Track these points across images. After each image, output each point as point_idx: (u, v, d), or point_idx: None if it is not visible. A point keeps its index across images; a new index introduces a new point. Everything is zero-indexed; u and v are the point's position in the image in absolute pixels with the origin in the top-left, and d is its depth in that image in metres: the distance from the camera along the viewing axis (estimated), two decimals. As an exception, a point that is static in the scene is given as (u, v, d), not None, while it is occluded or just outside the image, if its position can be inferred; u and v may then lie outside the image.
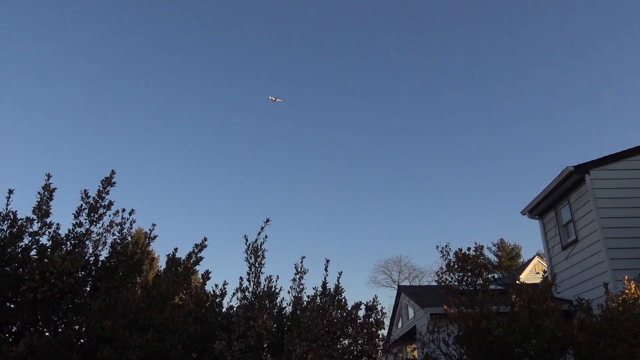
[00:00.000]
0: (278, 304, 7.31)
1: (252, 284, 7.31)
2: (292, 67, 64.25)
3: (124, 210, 6.86)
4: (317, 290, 7.38)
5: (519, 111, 66.59)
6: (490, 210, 69.84)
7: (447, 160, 72.55)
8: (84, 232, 6.42)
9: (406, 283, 48.45)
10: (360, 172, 74.22)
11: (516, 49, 62.65)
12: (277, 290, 7.48)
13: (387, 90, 69.91)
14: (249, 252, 7.42)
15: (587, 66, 60.07)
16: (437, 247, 7.60)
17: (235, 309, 7.19)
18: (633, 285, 6.70)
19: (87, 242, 6.48)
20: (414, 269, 52.39)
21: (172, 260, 7.10)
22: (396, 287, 27.72)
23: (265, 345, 6.55)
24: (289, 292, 7.38)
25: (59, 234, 6.30)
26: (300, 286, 7.43)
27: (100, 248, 6.65)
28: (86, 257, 6.42)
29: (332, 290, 7.43)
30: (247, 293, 7.23)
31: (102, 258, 6.64)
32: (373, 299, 7.44)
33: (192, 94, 58.39)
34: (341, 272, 7.49)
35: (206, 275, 7.43)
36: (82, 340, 5.80)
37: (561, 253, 14.57)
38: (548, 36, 60.20)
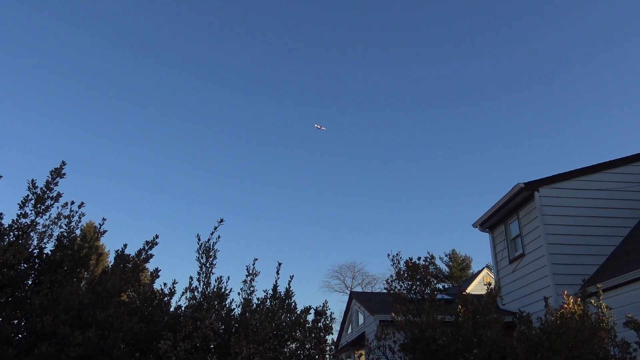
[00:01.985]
0: (227, 306, 7.26)
1: (202, 284, 7.23)
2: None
3: (72, 202, 6.68)
4: (267, 293, 7.37)
5: (478, 123, 68.40)
6: (444, 221, 71.38)
7: (405, 168, 73.78)
8: (28, 223, 6.21)
9: (359, 289, 48.85)
10: (318, 177, 74.54)
11: (466, 85, 64.38)
12: (227, 292, 7.42)
13: (348, 95, 70.55)
14: (200, 252, 7.34)
15: (538, 84, 62.27)
16: (389, 255, 7.73)
17: (183, 308, 7.09)
18: (571, 300, 6.99)
19: (31, 233, 6.27)
20: (367, 275, 52.99)
21: (120, 256, 6.95)
22: (349, 292, 27.89)
23: (212, 347, 6.48)
24: (239, 293, 7.35)
25: (2, 224, 6.07)
26: (251, 288, 7.40)
27: (45, 241, 6.44)
28: (30, 250, 6.21)
29: (282, 293, 7.43)
30: (196, 293, 7.14)
31: (47, 251, 6.43)
32: (323, 304, 7.50)
33: (160, 84, 57.32)
34: (292, 276, 7.51)
35: (155, 274, 7.30)
36: (20, 336, 5.60)
37: (508, 266, 15.03)
38: (493, 67, 62.11)
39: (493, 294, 7.09)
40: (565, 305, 6.94)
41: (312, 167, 74.39)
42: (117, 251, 7.08)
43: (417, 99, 69.37)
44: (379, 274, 54.56)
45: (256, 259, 7.48)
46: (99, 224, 7.16)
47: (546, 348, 6.04)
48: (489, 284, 7.49)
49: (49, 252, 6.39)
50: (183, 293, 7.36)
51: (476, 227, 16.41)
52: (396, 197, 75.03)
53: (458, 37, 62.54)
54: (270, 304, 7.29)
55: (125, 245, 7.09)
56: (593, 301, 7.48)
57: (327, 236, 74.84)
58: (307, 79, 68.31)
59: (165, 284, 7.30)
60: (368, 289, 48.53)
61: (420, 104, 69.64)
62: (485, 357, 6.10)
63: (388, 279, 7.76)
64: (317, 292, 60.72)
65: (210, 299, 6.91)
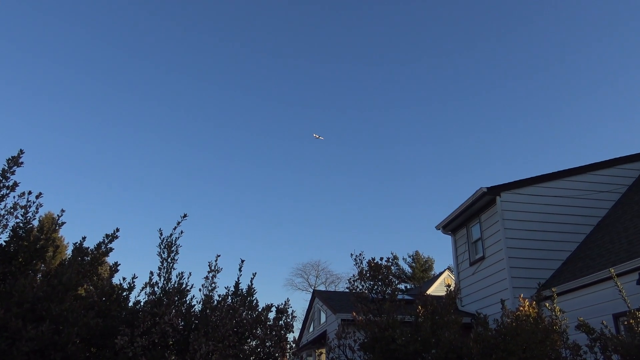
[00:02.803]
0: (188, 302, 7.16)
1: (162, 279, 7.12)
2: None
3: (30, 192, 6.48)
4: (229, 290, 7.31)
5: (443, 125, 69.50)
6: (409, 222, 72.31)
7: (371, 168, 74.36)
8: (-19, 212, 6.00)
9: (322, 288, 49.00)
10: (285, 174, 74.41)
11: (422, 89, 65.41)
12: (188, 288, 7.32)
13: (315, 94, 70.65)
14: (162, 247, 7.23)
15: (501, 90, 63.72)
16: (352, 255, 7.79)
17: (142, 304, 6.97)
18: (527, 303, 7.18)
19: (-16, 223, 6.06)
20: (332, 274, 53.27)
21: (78, 249, 6.79)
22: (312, 291, 27.94)
23: (170, 343, 6.40)
24: (200, 290, 7.26)
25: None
26: (213, 285, 7.33)
27: (0, 231, 6.24)
28: (-18, 240, 6.00)
29: (244, 291, 7.39)
30: (156, 288, 7.02)
31: (0, 242, 6.23)
32: (285, 302, 7.50)
33: (130, 75, 56.10)
34: (255, 273, 7.47)
35: (115, 267, 7.15)
36: (-32, 329, 5.40)
37: (469, 268, 15.34)
38: (461, 69, 63.31)
39: (452, 296, 7.23)
40: (521, 308, 7.13)
41: (279, 164, 74.25)
42: (75, 244, 6.91)
43: (387, 98, 70.01)
44: (343, 273, 54.92)
45: (218, 256, 7.41)
46: (58, 215, 6.98)
47: (501, 349, 6.19)
48: (447, 285, 7.63)
49: (3, 243, 6.19)
50: (143, 288, 7.23)
51: (439, 229, 16.69)
52: (363, 196, 75.63)
53: (424, 37, 63.38)
54: (232, 300, 7.23)
55: (84, 238, 6.93)
56: (548, 304, 7.69)
57: (292, 234, 74.88)
58: (276, 75, 68.04)
59: (124, 279, 7.16)
60: (332, 288, 48.75)
61: (389, 104, 70.34)
62: (442, 357, 6.21)
63: (350, 279, 7.82)
64: (281, 289, 60.68)
65: (171, 295, 6.81)
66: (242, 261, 7.57)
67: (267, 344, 6.95)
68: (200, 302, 7.22)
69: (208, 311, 6.81)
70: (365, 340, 6.92)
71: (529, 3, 56.11)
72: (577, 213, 14.08)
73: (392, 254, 47.27)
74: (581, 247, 13.26)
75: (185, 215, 7.47)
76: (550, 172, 14.46)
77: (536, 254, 13.37)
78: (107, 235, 7.02)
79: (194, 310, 7.08)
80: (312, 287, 49.94)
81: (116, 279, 7.30)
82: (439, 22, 61.70)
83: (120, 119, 58.96)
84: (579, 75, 60.99)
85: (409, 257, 48.47)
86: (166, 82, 60.40)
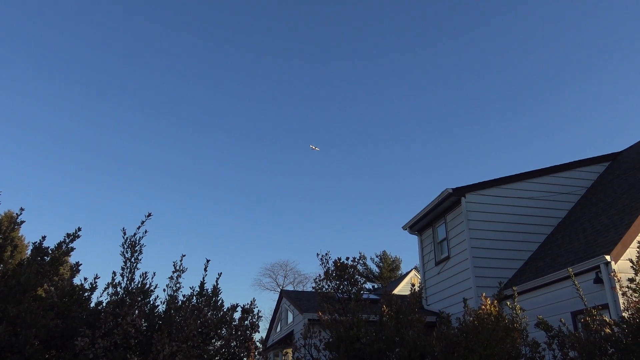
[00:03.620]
0: (151, 302, 7.07)
1: (125, 279, 7.00)
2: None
3: (-14, 191, 6.29)
4: (194, 290, 7.25)
5: (410, 124, 70.37)
6: (378, 222, 72.90)
7: (340, 168, 74.70)
8: None
9: (290, 288, 48.96)
10: (255, 174, 74.10)
11: (392, 85, 66.27)
12: (152, 288, 7.22)
13: (268, 93, 70.61)
14: (125, 246, 7.11)
15: (463, 93, 64.94)
16: (318, 254, 7.82)
17: (104, 304, 6.84)
18: (489, 302, 7.34)
19: (-62, 222, 5.85)
20: (300, 274, 53.23)
21: (38, 248, 6.61)
22: (280, 291, 27.87)
23: (132, 344, 6.30)
24: (164, 290, 7.17)
25: None
26: (177, 285, 7.25)
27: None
28: None
29: (210, 291, 7.34)
30: (119, 289, 6.90)
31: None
32: (251, 301, 7.48)
33: (93, 73, 54.85)
34: (220, 273, 7.43)
35: (76, 267, 7.00)
36: None
37: (434, 268, 15.58)
38: (427, 67, 64.31)
39: (416, 295, 7.34)
40: (483, 307, 7.28)
41: (249, 164, 73.86)
42: (35, 243, 6.74)
43: (355, 99, 70.39)
44: (311, 273, 54.97)
45: (184, 255, 7.34)
46: (17, 213, 6.79)
47: (463, 347, 6.32)
48: (412, 284, 7.74)
49: (-42, 243, 5.99)
50: (105, 289, 7.10)
51: (406, 229, 16.90)
52: (332, 197, 75.87)
53: (387, 36, 64.03)
54: (197, 301, 7.17)
55: (43, 237, 6.76)
56: (509, 303, 7.88)
57: (261, 234, 74.57)
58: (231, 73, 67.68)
59: (86, 279, 7.01)
60: (300, 288, 48.77)
61: (357, 105, 70.76)
62: (406, 355, 6.30)
63: (316, 278, 7.86)
64: (249, 289, 60.40)
65: (134, 295, 6.71)
66: (208, 261, 7.52)
67: (232, 344, 6.92)
68: (164, 303, 7.13)
69: (172, 311, 6.74)
70: (331, 340, 6.96)
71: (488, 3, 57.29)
72: (539, 214, 14.47)
73: (360, 253, 47.67)
74: (542, 247, 13.63)
75: (149, 215, 7.37)
76: (514, 174, 14.83)
77: (499, 253, 13.68)
78: (68, 235, 6.87)
79: (157, 311, 6.99)
80: (280, 287, 49.87)
81: (78, 280, 7.16)
82: (402, 19, 62.43)
83: (84, 114, 57.65)
84: (543, 80, 62.60)
85: (377, 257, 48.93)
86: (131, 77, 59.37)
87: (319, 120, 73.93)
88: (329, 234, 71.13)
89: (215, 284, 7.43)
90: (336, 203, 76.04)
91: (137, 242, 7.20)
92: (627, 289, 7.08)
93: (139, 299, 6.81)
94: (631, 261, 7.13)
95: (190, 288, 7.32)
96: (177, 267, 7.31)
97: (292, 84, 70.25)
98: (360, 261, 48.31)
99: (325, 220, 74.55)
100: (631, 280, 7.03)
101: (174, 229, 68.66)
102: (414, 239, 17.07)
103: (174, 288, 7.20)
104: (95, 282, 7.14)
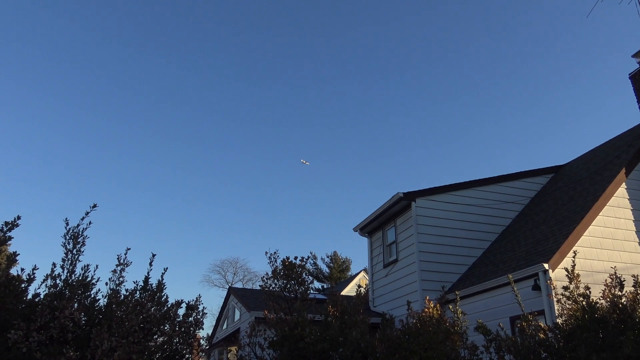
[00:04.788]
0: (92, 296, 6.86)
1: (66, 271, 6.76)
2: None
3: None
4: (137, 285, 7.09)
5: (364, 132, 71.16)
6: (330, 223, 73.27)
7: (294, 167, 74.70)
8: None
9: (240, 285, 48.58)
10: (209, 171, 73.12)
11: (349, 82, 67.04)
12: (94, 281, 7.01)
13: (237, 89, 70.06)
14: (67, 237, 6.87)
15: (416, 101, 66.30)
16: (266, 253, 7.79)
17: (42, 297, 6.59)
18: (432, 305, 7.52)
19: None
20: (250, 271, 52.84)
21: (-28, 238, 6.31)
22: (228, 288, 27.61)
23: (70, 339, 6.10)
24: (106, 284, 6.97)
25: None
26: (121, 279, 7.06)
27: None
28: None
29: (154, 286, 7.19)
30: (58, 281, 6.67)
31: None
32: (196, 298, 7.39)
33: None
34: (166, 268, 7.29)
35: (12, 257, 6.71)
36: None
37: (382, 270, 15.80)
38: (376, 70, 65.37)
39: (362, 296, 7.43)
40: (426, 310, 7.46)
41: (208, 162, 72.79)
42: (-32, 233, 6.41)
43: (309, 102, 70.56)
44: (261, 271, 54.69)
45: (128, 249, 7.15)
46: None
47: (404, 348, 6.45)
48: (358, 286, 7.84)
49: None
50: (44, 280, 6.84)
51: (356, 231, 17.05)
52: (287, 196, 75.76)
53: (350, 48, 64.59)
54: (140, 296, 7.01)
55: (-22, 227, 6.44)
56: (451, 307, 8.10)
57: (212, 231, 73.62)
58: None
59: (23, 270, 6.74)
60: (249, 286, 48.43)
61: (310, 107, 70.96)
62: (349, 356, 6.37)
63: (264, 277, 7.83)
64: (197, 286, 59.53)
65: (74, 288, 6.49)
66: (154, 255, 7.36)
67: (175, 340, 6.81)
68: (106, 297, 6.94)
69: (114, 306, 6.56)
70: (275, 338, 6.96)
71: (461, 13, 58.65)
72: (485, 221, 14.92)
73: (311, 253, 47.83)
74: (486, 254, 14.06)
75: (95, 205, 7.16)
76: (463, 181, 15.24)
77: (446, 258, 14.02)
78: (6, 223, 6.57)
79: (98, 305, 6.79)
80: (229, 284, 49.38)
81: (15, 271, 6.86)
82: (366, 25, 63.09)
83: (31, 107, 55.38)
84: (494, 94, 64.60)
85: (328, 257, 49.16)
86: (72, 75, 57.43)
87: (275, 120, 73.70)
88: (283, 232, 71.04)
89: (160, 279, 7.29)
90: (291, 202, 76.01)
91: (80, 233, 6.96)
92: (562, 297, 7.41)
93: (79, 292, 6.60)
94: (567, 270, 7.46)
95: (134, 282, 7.15)
96: (121, 261, 7.12)
97: (248, 87, 69.75)
98: (311, 261, 48.58)
99: (279, 219, 74.38)
100: (566, 288, 7.35)
101: (122, 224, 66.91)
102: (365, 240, 17.26)
103: (117, 282, 7.02)
104: (34, 274, 6.87)
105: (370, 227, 16.60)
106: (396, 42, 63.08)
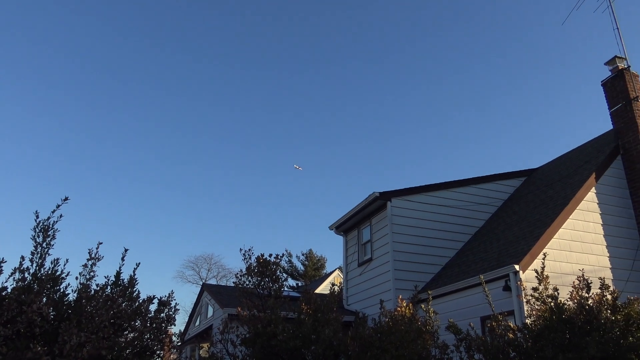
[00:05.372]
0: (62, 290, 6.74)
1: (35, 265, 6.62)
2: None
3: None
4: (109, 280, 6.98)
5: (337, 127, 71.37)
6: (306, 221, 73.27)
7: (270, 165, 74.52)
8: None
9: (214, 282, 48.25)
10: (184, 165, 72.45)
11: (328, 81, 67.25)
12: (64, 275, 6.88)
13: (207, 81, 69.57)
14: (37, 230, 6.73)
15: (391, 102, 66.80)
16: (241, 250, 7.75)
17: (9, 290, 6.44)
18: (404, 304, 7.60)
19: None
20: (224, 268, 52.50)
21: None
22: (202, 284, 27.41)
23: (38, 334, 5.98)
24: (77, 278, 6.86)
25: None
26: (92, 273, 6.94)
27: None
28: None
29: (126, 281, 7.10)
30: (27, 274, 6.53)
31: None
32: (169, 294, 7.32)
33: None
34: (138, 263, 7.20)
35: (-21, 250, 6.56)
36: None
37: (357, 269, 15.88)
38: (358, 74, 65.70)
39: (336, 294, 7.46)
40: (399, 309, 7.53)
41: (184, 158, 72.06)
42: None
43: (285, 99, 70.46)
44: (236, 268, 54.44)
45: (100, 243, 7.05)
46: None
47: (376, 347, 6.50)
48: (332, 284, 7.87)
49: None
50: (11, 274, 6.68)
51: (332, 229, 17.11)
52: (264, 193, 75.50)
53: (317, 39, 64.69)
54: (111, 291, 6.91)
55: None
56: (423, 306, 8.19)
57: (187, 226, 72.93)
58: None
59: (-11, 264, 6.57)
60: (224, 282, 48.11)
61: (287, 104, 70.87)
62: (321, 354, 6.40)
63: (238, 274, 7.80)
64: (170, 282, 58.98)
65: (43, 282, 6.36)
66: (126, 250, 7.27)
67: (146, 336, 6.74)
68: (75, 291, 6.83)
69: (84, 301, 6.46)
70: (248, 335, 6.94)
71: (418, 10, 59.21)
72: (459, 222, 15.11)
73: (286, 251, 47.78)
74: (459, 254, 14.24)
75: (66, 199, 7.02)
76: (439, 182, 15.40)
77: (420, 258, 14.16)
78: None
79: (67, 300, 6.66)
80: (203, 281, 49.02)
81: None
82: (337, 23, 63.26)
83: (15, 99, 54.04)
84: (472, 96, 65.43)
85: (303, 255, 49.15)
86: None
87: (247, 119, 73.36)
88: (259, 230, 70.79)
89: (132, 274, 7.20)
90: (267, 199, 75.78)
91: (51, 226, 6.83)
92: (531, 298, 7.55)
93: (48, 286, 6.48)
94: (536, 272, 7.61)
95: (106, 277, 7.05)
96: (93, 255, 7.01)
97: (218, 82, 69.27)
98: (286, 258, 48.52)
99: (256, 216, 74.08)
100: (535, 289, 7.50)
101: (94, 219, 65.83)
102: (340, 239, 17.31)
103: (88, 277, 6.90)
104: (1, 267, 6.71)
105: (346, 226, 16.66)
106: (372, 38, 63.40)
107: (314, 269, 47.70)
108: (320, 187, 75.72)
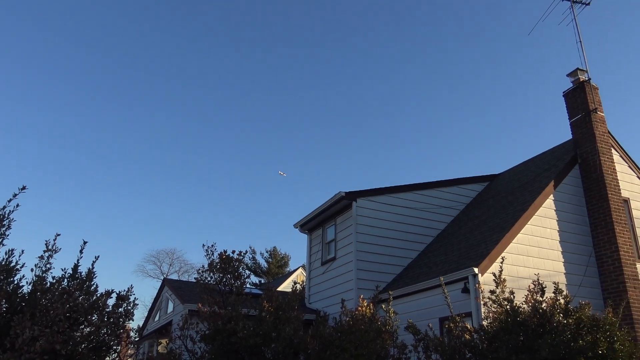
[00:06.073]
0: (16, 282, 6.54)
1: (-13, 255, 6.42)
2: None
3: None
4: (66, 273, 6.81)
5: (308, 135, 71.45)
6: (271, 218, 73.07)
7: (237, 164, 73.99)
8: None
9: (175, 277, 47.65)
10: (145, 164, 71.25)
11: (296, 82, 67.35)
12: (18, 267, 6.67)
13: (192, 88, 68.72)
14: (-9, 220, 6.51)
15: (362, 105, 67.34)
16: (204, 245, 7.68)
17: (-41, 282, 6.22)
18: (365, 303, 7.67)
19: None
20: (186, 263, 51.91)
21: None
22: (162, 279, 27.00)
23: (-13, 327, 5.80)
24: (32, 270, 6.66)
25: None
26: (48, 266, 6.76)
27: None
28: None
29: (84, 274, 6.94)
30: (-22, 265, 6.32)
31: None
32: (128, 288, 7.19)
33: None
34: (97, 256, 7.06)
35: None
36: None
37: (320, 267, 15.94)
38: (323, 72, 66.01)
39: (297, 292, 7.48)
40: (360, 308, 7.60)
41: (142, 154, 70.78)
42: None
43: (251, 92, 70.09)
44: (199, 263, 53.71)
45: (58, 234, 6.86)
46: None
47: (336, 346, 6.55)
48: (294, 282, 7.89)
49: None
50: (-38, 265, 6.46)
51: (297, 227, 17.11)
52: (228, 190, 74.87)
53: (276, 32, 64.66)
54: (68, 284, 6.75)
55: None
56: (384, 306, 8.28)
57: (150, 221, 71.72)
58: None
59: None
60: (185, 278, 47.54)
61: (254, 99, 70.53)
62: (280, 351, 6.40)
63: (199, 269, 7.72)
64: (130, 276, 57.90)
65: (-5, 273, 6.17)
66: (85, 243, 7.11)
67: (103, 331, 6.60)
68: (30, 284, 6.64)
69: (38, 293, 6.29)
70: (207, 332, 6.89)
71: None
72: (422, 224, 15.34)
73: (250, 247, 47.52)
74: (421, 256, 14.47)
75: (24, 187, 6.81)
76: (404, 184, 15.60)
77: (382, 258, 14.31)
78: None
79: (21, 292, 6.48)
80: (164, 275, 48.30)
81: None
82: (301, 19, 63.32)
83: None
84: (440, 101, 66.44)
85: (267, 252, 49.01)
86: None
87: (212, 116, 72.65)
88: (225, 226, 70.27)
89: (91, 267, 7.04)
90: (234, 197, 75.20)
91: (6, 216, 6.62)
92: (488, 300, 7.74)
93: (2, 277, 6.29)
94: (494, 275, 7.81)
95: (63, 270, 6.87)
96: (50, 247, 6.82)
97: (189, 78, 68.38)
98: (250, 255, 48.24)
99: (222, 212, 73.42)
100: (492, 292, 7.69)
101: (53, 211, 64.08)
102: (305, 237, 17.34)
103: (44, 269, 6.71)
104: (-50, 256, 6.48)
105: (311, 225, 16.70)
106: (344, 49, 63.68)
107: (278, 267, 47.62)
108: (287, 185, 75.63)
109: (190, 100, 70.53)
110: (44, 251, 6.81)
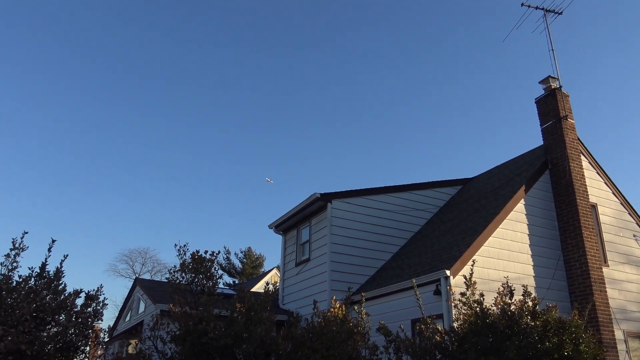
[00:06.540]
0: (-19, 281, 6.39)
1: (-47, 254, 6.26)
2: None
3: None
4: (33, 272, 6.69)
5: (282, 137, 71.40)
6: (246, 218, 72.74)
7: (212, 163, 73.47)
8: None
9: (148, 277, 47.03)
10: (122, 162, 70.27)
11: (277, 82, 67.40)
12: (-17, 266, 6.53)
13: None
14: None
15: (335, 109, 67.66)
16: (176, 245, 7.61)
17: None
18: (337, 305, 7.71)
19: None
20: (159, 263, 51.23)
21: None
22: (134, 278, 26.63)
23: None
24: (-3, 269, 6.52)
25: None
26: (15, 264, 6.64)
27: None
28: None
29: (51, 273, 6.82)
30: (-58, 264, 6.16)
31: None
32: (97, 288, 7.11)
33: None
34: (66, 255, 6.95)
35: None
36: None
37: (294, 269, 15.92)
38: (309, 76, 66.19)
39: (270, 293, 7.47)
40: (332, 310, 7.62)
41: (124, 150, 69.78)
42: None
43: (232, 90, 69.77)
44: (172, 263, 53.06)
45: (26, 232, 6.75)
46: None
47: (307, 347, 6.56)
48: (266, 283, 7.88)
49: None
50: None
51: (272, 228, 17.06)
52: (205, 189, 74.27)
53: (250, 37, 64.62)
54: (35, 283, 6.63)
55: None
56: (356, 307, 8.33)
57: (123, 220, 70.66)
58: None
59: None
60: (158, 278, 46.92)
61: (235, 97, 70.21)
62: (252, 352, 6.39)
63: (171, 269, 7.65)
64: (101, 275, 56.94)
65: (-41, 273, 6.03)
66: (53, 241, 7.00)
67: (70, 331, 6.50)
68: (-5, 283, 6.49)
69: (4, 293, 6.16)
70: (178, 333, 6.82)
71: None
72: (396, 226, 15.45)
73: (224, 248, 47.18)
74: (394, 258, 14.57)
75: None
76: (379, 186, 15.68)
77: (356, 260, 14.37)
78: None
79: (-14, 291, 6.33)
80: (136, 275, 47.62)
81: None
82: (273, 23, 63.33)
83: None
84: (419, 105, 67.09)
85: (241, 252, 48.73)
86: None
87: (190, 113, 72.09)
88: (200, 226, 69.66)
89: (59, 266, 6.94)
90: (210, 197, 74.64)
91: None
92: (459, 302, 7.85)
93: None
94: (465, 277, 7.92)
95: (30, 269, 6.75)
96: (17, 245, 6.69)
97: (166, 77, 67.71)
98: (224, 255, 47.88)
99: (197, 212, 72.76)
100: (463, 294, 7.80)
101: (23, 204, 62.64)
102: (279, 238, 17.29)
103: (10, 267, 6.59)
104: None
105: (286, 225, 16.67)
106: (320, 51, 63.87)
107: (252, 267, 47.40)
108: (264, 185, 75.35)
109: (165, 98, 69.80)
110: (11, 249, 6.69)
